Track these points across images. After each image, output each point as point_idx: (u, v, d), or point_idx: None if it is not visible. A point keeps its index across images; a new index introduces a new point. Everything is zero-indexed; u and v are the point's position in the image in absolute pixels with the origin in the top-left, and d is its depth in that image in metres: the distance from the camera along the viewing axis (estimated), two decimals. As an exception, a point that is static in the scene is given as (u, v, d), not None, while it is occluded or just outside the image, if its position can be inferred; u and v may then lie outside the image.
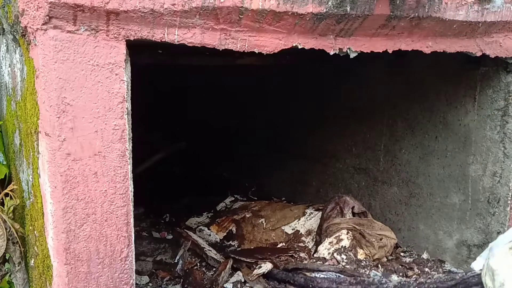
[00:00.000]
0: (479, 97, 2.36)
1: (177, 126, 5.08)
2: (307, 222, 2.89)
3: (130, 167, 1.59)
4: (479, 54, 2.11)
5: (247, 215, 3.11)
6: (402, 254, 2.70)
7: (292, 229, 2.87)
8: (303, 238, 2.80)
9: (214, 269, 2.49)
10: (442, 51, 2.03)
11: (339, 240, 2.54)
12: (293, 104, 3.60)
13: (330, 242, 2.55)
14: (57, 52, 1.42)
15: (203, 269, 2.50)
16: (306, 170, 3.56)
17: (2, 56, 2.04)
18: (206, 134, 4.72)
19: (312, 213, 2.94)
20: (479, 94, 2.36)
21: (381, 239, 2.57)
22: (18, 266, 1.86)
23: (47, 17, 1.38)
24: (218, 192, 4.06)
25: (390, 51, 1.93)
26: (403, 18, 1.80)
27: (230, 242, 2.94)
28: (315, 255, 2.56)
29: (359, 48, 1.86)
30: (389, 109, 2.84)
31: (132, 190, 1.62)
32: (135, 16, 1.46)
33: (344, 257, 2.45)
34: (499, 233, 2.31)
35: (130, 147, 1.59)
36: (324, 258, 2.49)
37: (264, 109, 3.98)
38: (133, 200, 1.63)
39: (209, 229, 3.08)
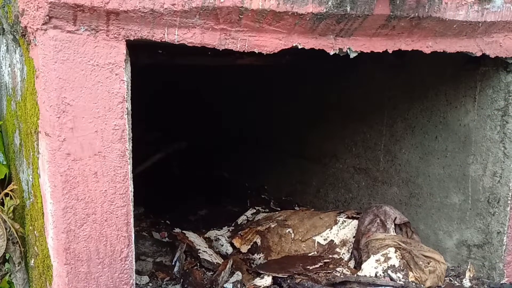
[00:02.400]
0: (479, 97, 2.36)
1: (177, 126, 5.08)
2: (340, 231, 2.61)
3: (130, 167, 1.59)
4: (479, 54, 2.11)
5: (272, 225, 2.86)
6: (450, 279, 2.38)
7: (325, 239, 2.61)
8: (337, 249, 2.54)
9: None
10: (442, 51, 2.03)
11: (387, 258, 2.25)
12: (293, 104, 3.60)
13: (377, 260, 2.26)
14: (57, 52, 1.42)
15: (203, 269, 2.50)
16: (306, 170, 3.56)
17: (2, 56, 2.04)
18: (206, 134, 4.72)
19: (345, 221, 2.66)
20: (479, 94, 2.36)
21: (429, 263, 2.26)
22: (18, 266, 1.86)
23: (47, 17, 1.38)
24: (219, 192, 4.07)
25: (390, 51, 1.93)
26: (403, 18, 1.80)
27: (255, 255, 2.72)
28: (359, 274, 2.27)
29: (359, 48, 1.86)
30: (389, 109, 2.84)
31: (132, 190, 1.62)
32: (135, 16, 1.46)
33: (400, 276, 2.19)
34: (499, 233, 2.32)
35: (130, 147, 1.60)
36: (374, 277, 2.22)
37: (264, 109, 3.98)
38: (133, 200, 1.63)
39: (228, 240, 2.87)
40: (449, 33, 1.99)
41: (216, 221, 3.21)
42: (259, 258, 2.68)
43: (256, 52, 1.70)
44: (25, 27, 1.47)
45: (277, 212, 3.13)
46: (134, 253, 1.66)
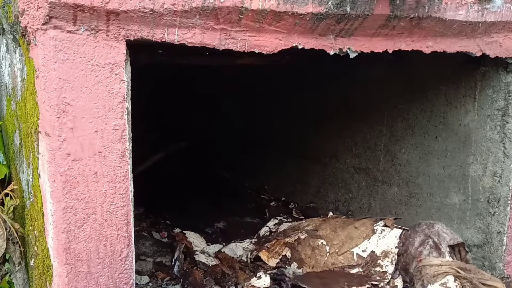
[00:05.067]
0: (479, 97, 2.36)
1: (177, 126, 5.08)
2: (379, 241, 2.40)
3: (130, 167, 1.59)
4: (479, 54, 2.11)
5: (302, 236, 2.63)
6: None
7: (364, 250, 2.42)
8: (379, 261, 2.34)
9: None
10: (442, 51, 2.03)
11: None
12: (293, 104, 3.60)
13: (434, 290, 2.05)
14: (57, 52, 1.42)
15: (203, 269, 2.50)
16: (306, 170, 3.56)
17: (2, 56, 2.04)
18: (206, 134, 4.72)
19: (383, 230, 2.45)
20: (479, 94, 2.36)
21: None
22: (18, 266, 1.87)
23: (47, 17, 1.38)
24: (219, 192, 4.07)
25: (390, 51, 1.93)
26: (403, 18, 1.80)
27: (286, 266, 2.51)
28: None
29: (359, 48, 1.86)
30: (389, 109, 2.84)
31: (132, 190, 1.62)
32: (135, 16, 1.46)
33: None
34: (499, 233, 2.32)
35: (130, 147, 1.60)
36: None
37: (264, 109, 3.98)
38: (133, 200, 1.63)
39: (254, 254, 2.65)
40: (449, 33, 1.99)
41: (235, 234, 3.06)
42: (292, 269, 2.49)
43: (256, 52, 1.70)
44: (25, 27, 1.47)
45: (303, 221, 2.88)
46: (134, 253, 1.66)
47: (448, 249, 2.18)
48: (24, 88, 1.68)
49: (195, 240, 2.77)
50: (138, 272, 2.29)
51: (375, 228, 2.47)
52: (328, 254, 2.47)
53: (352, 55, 1.86)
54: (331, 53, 1.82)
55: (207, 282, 2.34)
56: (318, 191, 3.47)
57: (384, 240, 2.39)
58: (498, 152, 2.29)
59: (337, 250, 2.45)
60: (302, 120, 3.53)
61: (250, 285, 2.26)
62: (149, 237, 2.74)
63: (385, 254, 2.34)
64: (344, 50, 1.84)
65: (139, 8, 1.44)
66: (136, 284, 1.89)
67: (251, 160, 4.20)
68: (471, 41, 2.07)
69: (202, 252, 2.62)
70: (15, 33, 1.65)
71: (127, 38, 1.50)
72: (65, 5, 1.37)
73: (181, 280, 2.36)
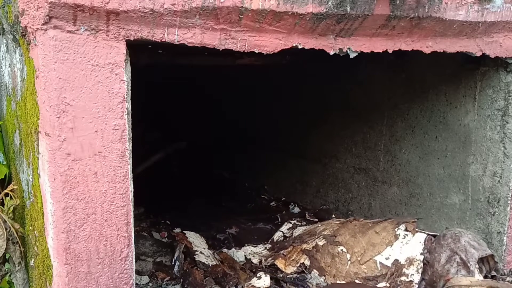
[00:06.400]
0: (479, 97, 2.36)
1: (177, 126, 5.08)
2: (403, 248, 2.30)
3: (130, 167, 1.59)
4: (479, 54, 2.11)
5: (320, 243, 2.51)
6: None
7: (387, 258, 2.32)
8: (405, 270, 2.23)
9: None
10: (442, 51, 2.03)
11: None
12: (293, 104, 3.61)
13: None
14: (57, 52, 1.42)
15: (203, 269, 2.50)
16: (306, 170, 3.56)
17: (2, 56, 2.04)
18: (206, 134, 4.72)
19: (406, 234, 2.35)
20: (479, 94, 2.36)
21: None
22: (18, 266, 1.87)
23: (47, 17, 1.38)
24: (219, 192, 4.07)
25: (390, 51, 1.93)
26: (403, 18, 1.80)
27: (306, 273, 2.42)
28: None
29: (359, 48, 1.86)
30: (389, 109, 2.84)
31: (132, 190, 1.62)
32: (135, 16, 1.46)
33: None
34: (499, 233, 2.32)
35: (130, 147, 1.60)
36: None
37: (264, 109, 3.98)
38: (133, 200, 1.63)
39: (269, 261, 2.57)
40: (449, 33, 1.99)
41: (247, 240, 3.00)
42: (314, 275, 2.38)
43: (256, 52, 1.70)
44: (25, 27, 1.47)
45: (319, 225, 2.78)
46: (134, 253, 1.66)
47: (477, 266, 2.08)
48: (24, 88, 1.68)
49: (195, 240, 2.77)
50: (138, 272, 2.29)
51: (397, 233, 2.37)
52: (349, 262, 2.38)
53: (352, 55, 1.86)
54: (331, 53, 1.82)
55: (207, 282, 2.34)
56: (318, 191, 3.47)
57: (407, 246, 2.29)
58: (498, 152, 2.29)
59: (359, 259, 2.36)
60: (302, 120, 3.53)
61: (250, 285, 2.26)
62: (149, 237, 2.74)
63: (410, 261, 2.25)
64: (344, 50, 1.84)
65: (139, 8, 1.44)
66: (136, 284, 1.89)
67: (251, 160, 4.20)
68: (471, 41, 2.07)
69: (202, 252, 2.62)
70: (15, 33, 1.65)
71: (127, 38, 1.50)
72: (65, 5, 1.37)
73: (181, 280, 2.35)
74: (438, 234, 2.25)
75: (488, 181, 2.34)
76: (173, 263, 2.48)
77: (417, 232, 2.33)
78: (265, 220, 3.42)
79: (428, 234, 2.31)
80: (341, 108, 3.18)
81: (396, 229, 2.39)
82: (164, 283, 2.33)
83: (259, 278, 2.30)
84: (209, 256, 2.59)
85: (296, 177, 3.68)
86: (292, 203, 3.64)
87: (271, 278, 2.32)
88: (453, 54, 2.07)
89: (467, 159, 2.41)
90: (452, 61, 2.30)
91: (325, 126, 3.33)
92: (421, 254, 2.23)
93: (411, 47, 1.96)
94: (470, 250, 2.10)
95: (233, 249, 2.80)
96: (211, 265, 2.51)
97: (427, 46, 1.99)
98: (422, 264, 2.22)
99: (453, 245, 2.13)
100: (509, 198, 2.28)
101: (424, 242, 2.27)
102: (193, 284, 2.30)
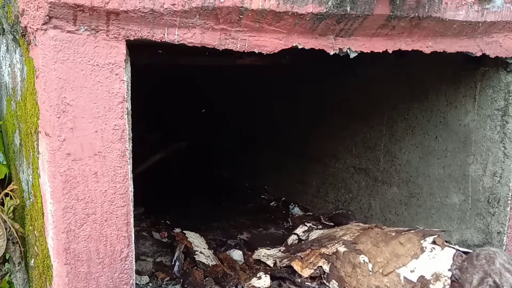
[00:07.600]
0: (479, 97, 2.36)
1: (177, 126, 5.08)
2: (429, 261, 2.16)
3: (130, 167, 1.59)
4: (479, 54, 2.11)
5: (341, 249, 2.40)
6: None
7: (412, 271, 2.17)
8: (430, 286, 2.10)
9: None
10: (442, 51, 2.03)
11: None
12: (293, 104, 3.61)
13: None
14: (57, 52, 1.42)
15: (203, 269, 2.50)
16: (306, 170, 3.57)
17: (2, 56, 2.04)
18: (206, 134, 4.72)
19: (433, 248, 2.20)
20: (479, 94, 2.36)
21: None
22: (18, 266, 1.87)
23: (47, 17, 1.38)
24: (219, 192, 4.07)
25: (390, 51, 1.93)
26: (403, 18, 1.80)
27: (325, 282, 2.33)
28: None
29: (359, 48, 1.86)
30: (389, 109, 2.84)
31: (132, 190, 1.62)
32: (135, 16, 1.46)
33: None
34: (499, 233, 2.32)
35: (130, 147, 1.60)
36: None
37: (264, 109, 3.98)
38: (133, 200, 1.63)
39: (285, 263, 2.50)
40: (449, 33, 1.99)
41: (259, 246, 2.92)
42: (332, 286, 2.30)
43: (256, 52, 1.70)
44: (25, 27, 1.47)
45: (338, 229, 2.67)
46: (134, 253, 1.66)
47: None
48: (24, 88, 1.68)
49: (195, 240, 2.77)
50: (138, 272, 2.29)
51: (424, 245, 2.23)
52: (371, 273, 2.26)
53: (352, 55, 1.86)
54: (331, 53, 1.82)
55: (207, 282, 2.34)
56: (318, 191, 3.47)
57: (434, 261, 2.17)
58: (498, 152, 2.29)
59: (381, 270, 2.25)
60: (302, 120, 3.53)
61: (250, 285, 2.26)
62: (149, 237, 2.74)
63: (437, 277, 2.12)
64: (344, 50, 1.84)
65: (139, 8, 1.44)
66: (136, 284, 1.89)
67: (251, 160, 4.20)
68: (471, 41, 2.07)
69: (202, 252, 2.61)
70: (15, 33, 1.65)
71: (127, 38, 1.50)
72: (65, 5, 1.37)
73: (181, 280, 2.36)
74: (468, 250, 2.15)
75: (488, 181, 2.34)
76: (173, 263, 2.48)
77: (446, 246, 2.21)
78: (267, 220, 3.42)
79: (458, 250, 2.18)
80: (341, 108, 3.18)
81: (422, 241, 2.27)
82: (164, 283, 2.33)
83: (259, 278, 2.30)
84: (209, 256, 2.59)
85: (296, 177, 3.68)
86: (292, 203, 3.65)
87: (285, 281, 2.30)
88: (453, 54, 2.07)
89: (467, 159, 2.41)
90: (452, 61, 2.30)
91: (325, 126, 3.33)
92: (449, 270, 2.11)
93: (411, 47, 1.96)
94: (505, 274, 1.99)
95: (232, 249, 2.80)
96: (211, 265, 2.51)
97: (427, 46, 1.99)
98: (450, 281, 2.10)
99: (486, 267, 2.02)
100: (509, 198, 2.28)
101: (453, 258, 2.15)
102: (193, 284, 2.30)
